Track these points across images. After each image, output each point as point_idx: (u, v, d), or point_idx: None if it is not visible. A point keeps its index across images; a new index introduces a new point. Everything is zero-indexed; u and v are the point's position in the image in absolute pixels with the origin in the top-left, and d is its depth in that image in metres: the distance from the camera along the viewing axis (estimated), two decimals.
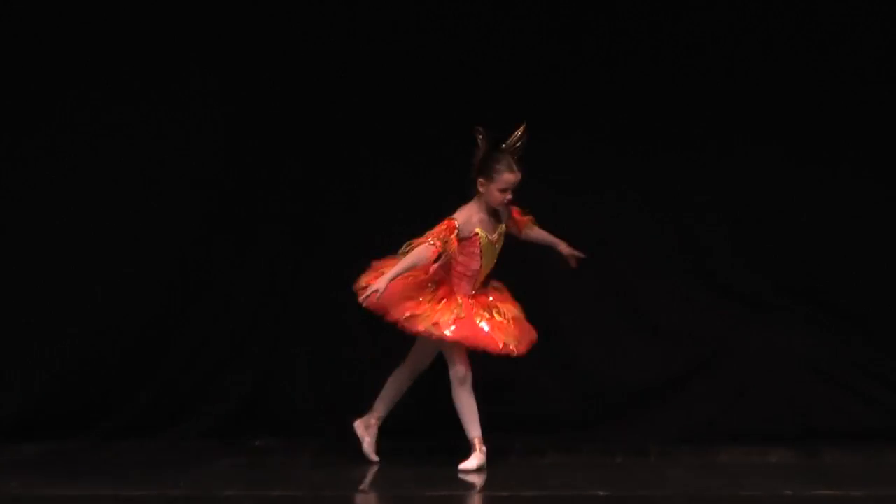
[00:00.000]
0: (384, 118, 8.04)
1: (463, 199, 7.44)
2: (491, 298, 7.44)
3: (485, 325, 7.30)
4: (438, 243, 7.22)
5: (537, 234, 7.63)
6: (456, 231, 7.28)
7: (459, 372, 7.37)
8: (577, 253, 7.54)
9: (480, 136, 7.29)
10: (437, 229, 7.28)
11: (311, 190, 8.13)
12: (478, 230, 7.40)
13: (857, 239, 8.08)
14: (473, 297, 7.42)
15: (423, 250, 7.21)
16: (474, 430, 7.40)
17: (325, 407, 8.21)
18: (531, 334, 7.47)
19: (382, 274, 7.26)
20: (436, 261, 7.32)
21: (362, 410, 7.75)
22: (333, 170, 8.11)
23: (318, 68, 8.05)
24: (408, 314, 7.26)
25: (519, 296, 7.71)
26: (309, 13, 8.02)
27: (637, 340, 8.19)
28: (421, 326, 7.23)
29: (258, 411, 8.23)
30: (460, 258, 7.38)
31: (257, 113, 8.04)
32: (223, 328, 8.20)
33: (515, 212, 7.52)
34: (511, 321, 7.38)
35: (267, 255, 8.15)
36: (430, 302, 7.31)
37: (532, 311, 7.76)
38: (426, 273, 7.41)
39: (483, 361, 7.51)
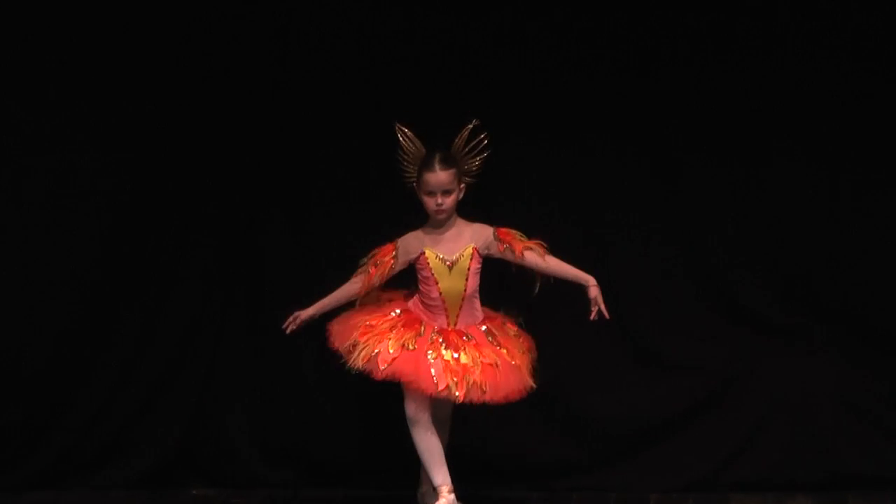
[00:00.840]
0: (331, 135, 7.75)
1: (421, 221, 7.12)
2: (467, 338, 6.89)
3: (434, 363, 6.77)
4: (372, 269, 6.89)
5: (550, 264, 6.99)
6: (393, 252, 6.90)
7: (409, 410, 6.86)
8: (601, 306, 6.99)
9: (402, 135, 6.93)
10: (373, 253, 6.96)
11: (246, 213, 7.85)
12: (425, 250, 6.89)
13: (889, 258, 7.78)
14: (446, 331, 6.91)
15: (350, 284, 6.94)
16: (438, 477, 6.85)
17: (268, 452, 7.86)
18: (513, 385, 6.89)
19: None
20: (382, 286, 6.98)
21: (311, 454, 7.70)
22: (272, 192, 7.83)
23: (254, 81, 7.75)
24: (350, 342, 6.83)
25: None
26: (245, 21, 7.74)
27: (637, 372, 7.79)
28: (361, 359, 6.78)
29: (193, 457, 7.84)
30: (421, 286, 6.98)
31: (177, 133, 7.75)
32: (150, 362, 7.81)
33: (501, 232, 6.99)
34: (480, 365, 6.79)
35: (198, 281, 7.82)
36: (381, 329, 6.86)
37: None
38: (389, 301, 7.04)
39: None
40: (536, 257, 6.93)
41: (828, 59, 7.66)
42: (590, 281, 6.97)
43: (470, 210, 7.19)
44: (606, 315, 6.98)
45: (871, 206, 7.73)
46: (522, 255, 6.92)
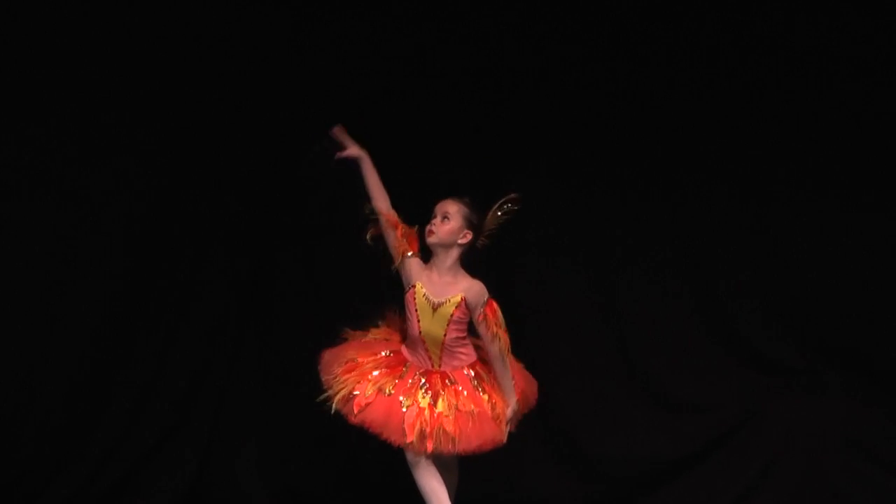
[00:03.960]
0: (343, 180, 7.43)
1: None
2: (450, 382, 6.69)
3: (407, 412, 6.59)
4: (400, 228, 6.75)
5: (495, 365, 6.72)
6: (409, 254, 6.74)
7: (408, 453, 6.66)
8: (513, 420, 6.74)
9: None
10: (407, 231, 6.78)
11: (257, 254, 7.78)
12: (417, 283, 6.72)
13: None
14: (430, 373, 6.72)
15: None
16: None
17: (278, 492, 7.77)
18: (487, 435, 6.64)
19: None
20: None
21: (320, 494, 7.61)
22: (282, 232, 7.77)
23: (271, 107, 7.68)
24: (330, 378, 6.67)
25: None
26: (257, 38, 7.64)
27: (648, 414, 7.81)
28: (339, 400, 6.62)
29: (203, 497, 7.73)
30: (406, 314, 6.78)
31: (189, 174, 7.62)
32: (160, 403, 7.70)
33: (490, 308, 6.72)
34: (455, 413, 6.60)
35: (208, 322, 7.73)
36: (365, 369, 6.68)
37: None
38: (386, 340, 6.85)
39: None
40: (494, 350, 6.68)
41: (841, 100, 7.64)
42: (510, 403, 6.73)
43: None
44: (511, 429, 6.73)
45: (880, 249, 7.69)
46: (488, 339, 6.68)
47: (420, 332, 6.68)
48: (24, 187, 7.41)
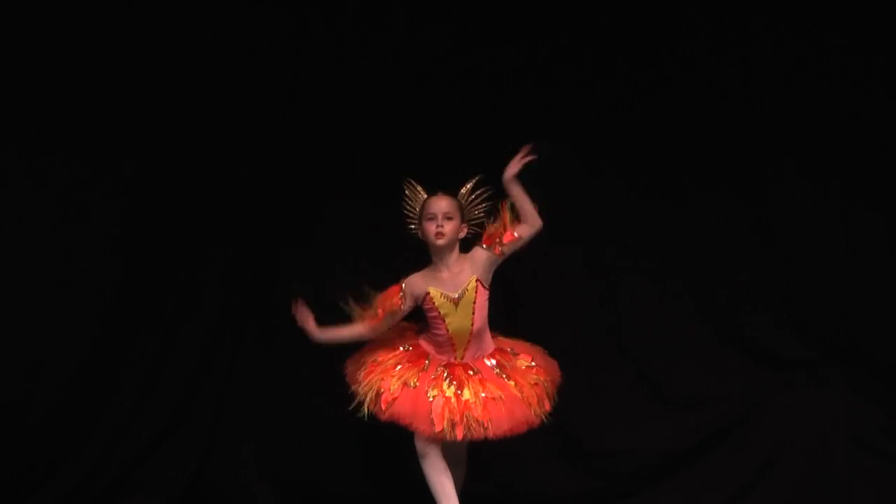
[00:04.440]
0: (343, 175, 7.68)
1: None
2: (473, 372, 6.79)
3: (434, 402, 6.69)
4: (380, 311, 6.81)
5: (524, 212, 6.82)
6: (400, 293, 6.81)
7: (418, 445, 6.76)
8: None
9: (409, 187, 6.91)
10: (381, 295, 6.87)
11: (257, 252, 7.73)
12: (430, 289, 6.81)
13: None
14: (452, 365, 6.82)
15: (356, 325, 6.87)
16: None
17: (279, 488, 7.73)
18: (518, 418, 6.78)
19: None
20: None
21: (322, 489, 7.61)
22: (283, 231, 7.73)
23: (267, 99, 7.65)
24: (357, 386, 6.80)
25: None
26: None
27: (649, 408, 7.76)
28: (368, 402, 6.75)
29: (204, 494, 7.70)
30: (429, 324, 6.89)
31: (187, 170, 7.59)
32: (161, 399, 7.65)
33: (486, 241, 6.86)
34: (482, 401, 6.70)
35: (208, 319, 7.70)
36: (387, 366, 6.80)
37: None
38: (401, 335, 6.97)
39: None
40: (522, 227, 6.79)
41: (842, 94, 7.62)
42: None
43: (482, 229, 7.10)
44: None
45: (881, 243, 7.67)
46: (515, 236, 6.79)
47: (448, 332, 6.79)
48: (24, 186, 7.38)
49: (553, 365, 6.99)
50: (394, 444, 7.16)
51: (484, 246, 6.83)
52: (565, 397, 7.51)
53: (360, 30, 7.63)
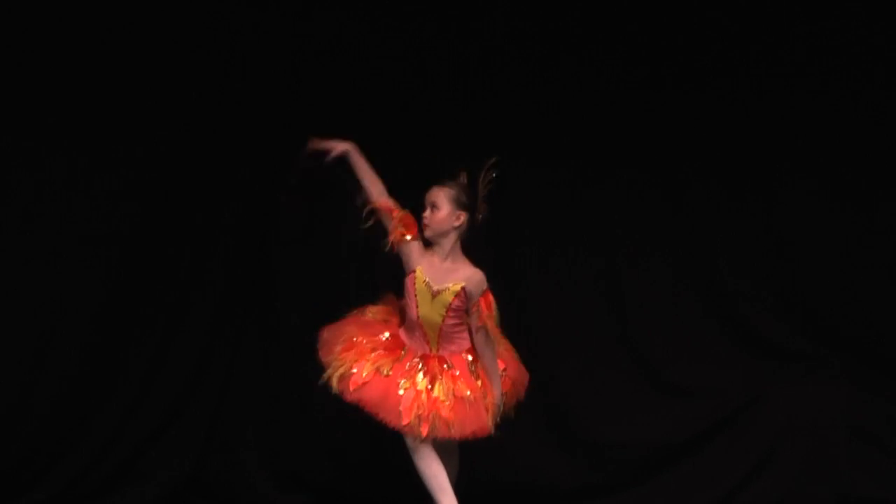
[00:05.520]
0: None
1: None
2: (447, 367, 6.63)
3: (405, 395, 6.55)
4: (395, 213, 6.68)
5: (480, 351, 6.67)
6: (409, 237, 6.65)
7: (408, 439, 6.60)
8: (494, 408, 6.66)
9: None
10: (403, 220, 6.70)
11: (258, 243, 7.72)
12: (417, 268, 6.65)
13: None
14: (428, 357, 6.66)
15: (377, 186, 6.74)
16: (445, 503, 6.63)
17: (280, 478, 7.71)
18: (481, 422, 6.59)
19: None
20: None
21: (322, 479, 7.58)
22: (284, 223, 7.70)
23: (268, 99, 7.62)
24: (330, 357, 6.63)
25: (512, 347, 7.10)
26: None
27: (650, 398, 7.76)
28: (336, 378, 6.57)
29: (204, 484, 7.70)
30: (405, 303, 6.72)
31: (189, 163, 7.55)
32: (162, 389, 7.63)
33: (485, 301, 6.64)
34: (452, 399, 6.55)
35: (210, 310, 7.67)
36: (363, 348, 6.64)
37: (525, 364, 7.12)
38: (385, 322, 6.80)
39: None
40: (479, 341, 6.61)
41: (841, 86, 7.62)
42: (495, 394, 6.66)
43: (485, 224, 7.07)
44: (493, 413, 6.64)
45: (882, 235, 7.67)
46: (475, 328, 6.61)
47: (418, 317, 6.63)
48: (25, 186, 7.36)
49: (524, 377, 6.84)
50: (395, 436, 7.03)
51: (477, 295, 6.59)
52: (567, 388, 7.67)
53: (361, 29, 7.63)
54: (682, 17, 7.64)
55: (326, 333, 6.72)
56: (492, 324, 6.61)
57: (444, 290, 6.61)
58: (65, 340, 7.46)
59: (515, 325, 7.11)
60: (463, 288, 6.59)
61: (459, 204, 6.65)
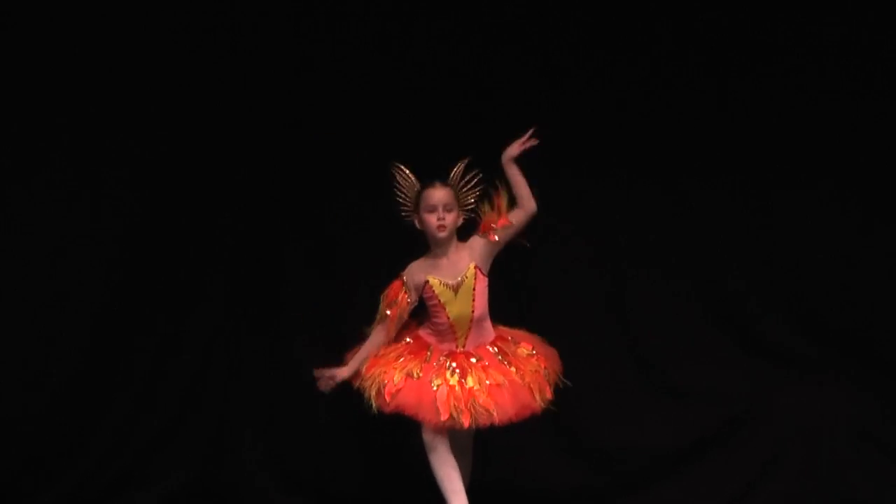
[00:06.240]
0: (346, 163, 7.63)
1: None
2: (475, 360, 6.76)
3: (438, 391, 6.65)
4: (392, 311, 6.77)
5: (516, 191, 6.82)
6: (403, 288, 6.78)
7: (426, 437, 6.70)
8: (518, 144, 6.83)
9: (399, 173, 6.83)
10: (385, 295, 6.81)
11: (261, 245, 7.70)
12: (428, 278, 6.78)
13: None
14: (454, 354, 6.78)
15: (376, 335, 6.82)
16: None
17: (284, 481, 7.70)
18: (522, 403, 6.74)
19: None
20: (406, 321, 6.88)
21: (326, 482, 7.59)
22: (286, 223, 7.70)
23: (269, 98, 7.63)
24: (365, 374, 6.76)
25: None
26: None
27: (655, 403, 7.72)
28: (373, 395, 6.70)
29: (209, 487, 7.69)
30: (430, 313, 6.84)
31: (193, 163, 7.58)
32: (167, 392, 7.65)
33: (483, 228, 6.82)
34: (486, 387, 6.66)
35: (213, 312, 7.70)
36: (388, 358, 6.76)
37: None
38: (405, 328, 6.90)
39: None
40: (516, 212, 6.78)
41: (845, 86, 7.58)
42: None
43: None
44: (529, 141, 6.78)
45: (886, 238, 7.64)
46: (509, 222, 6.78)
47: (449, 319, 6.75)
48: (28, 186, 7.38)
49: (553, 354, 6.94)
50: (398, 437, 7.21)
51: (480, 233, 6.80)
52: (570, 392, 7.48)
53: (361, 28, 7.62)
54: (686, 11, 7.61)
55: (350, 355, 6.82)
56: (501, 218, 6.77)
57: (464, 280, 6.74)
58: (68, 345, 7.48)
59: (517, 327, 7.11)
60: (476, 268, 6.75)
61: (459, 204, 6.81)
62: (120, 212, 7.51)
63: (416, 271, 6.81)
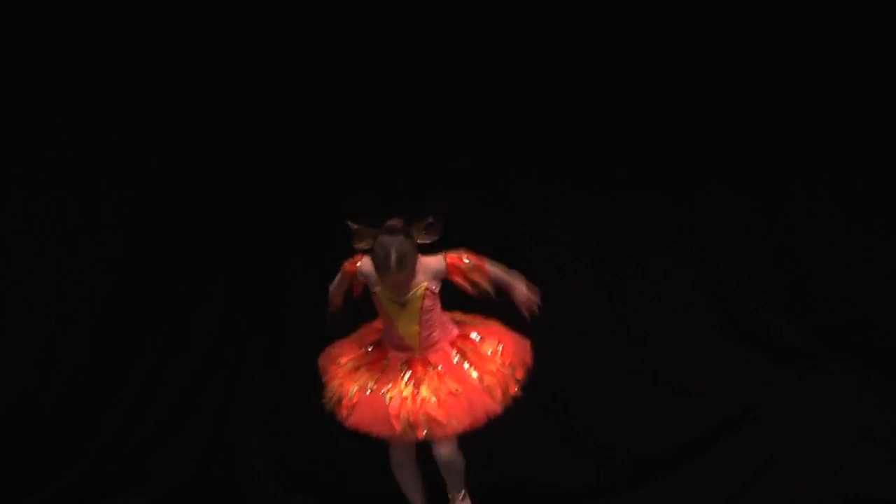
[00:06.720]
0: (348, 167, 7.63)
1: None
2: (431, 367, 6.52)
3: (391, 404, 6.45)
4: (347, 266, 6.59)
5: (494, 274, 6.58)
6: (358, 266, 6.53)
7: (392, 451, 6.66)
8: (533, 299, 6.63)
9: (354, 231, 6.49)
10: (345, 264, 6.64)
11: (266, 245, 7.72)
12: (377, 289, 6.53)
13: None
14: (412, 360, 6.57)
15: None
16: None
17: (285, 479, 7.72)
18: (479, 409, 6.49)
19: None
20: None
21: (328, 480, 7.59)
22: (291, 223, 7.70)
23: (272, 105, 7.63)
24: (326, 386, 6.63)
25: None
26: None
27: (656, 399, 7.68)
28: (333, 405, 6.58)
29: (210, 484, 7.72)
30: (383, 319, 6.65)
31: (198, 165, 7.60)
32: (168, 389, 7.66)
33: (451, 266, 6.53)
34: (440, 397, 6.44)
35: (217, 311, 7.70)
36: (346, 370, 6.62)
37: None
38: (370, 333, 6.73)
39: None
40: (482, 282, 6.53)
41: (849, 85, 7.58)
42: (517, 285, 6.61)
43: (489, 221, 7.12)
44: (536, 302, 6.59)
45: (889, 236, 7.64)
46: (473, 281, 6.52)
47: (397, 331, 6.54)
48: (32, 186, 7.41)
49: (524, 345, 6.67)
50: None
51: (447, 266, 6.51)
52: (572, 390, 7.63)
53: (363, 33, 7.61)
54: (690, 12, 7.60)
55: (321, 361, 6.71)
56: (471, 275, 6.51)
57: (411, 299, 6.48)
58: (70, 341, 7.49)
59: (518, 326, 7.04)
60: (427, 287, 6.49)
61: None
62: (122, 211, 7.53)
63: (371, 273, 6.53)
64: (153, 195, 7.55)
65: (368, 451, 7.50)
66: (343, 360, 6.62)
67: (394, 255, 6.31)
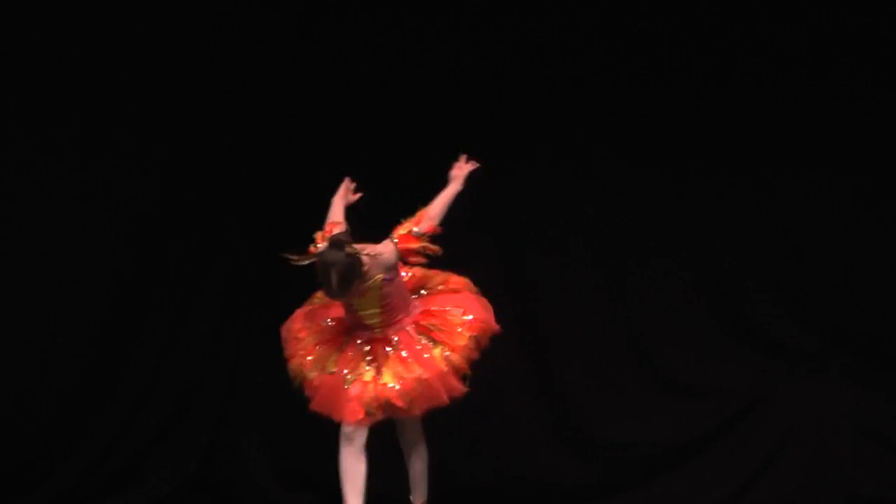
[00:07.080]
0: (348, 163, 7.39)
1: None
2: (392, 349, 6.38)
3: (352, 388, 6.33)
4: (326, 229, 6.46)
5: (435, 210, 6.52)
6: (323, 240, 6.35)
7: (345, 427, 6.40)
8: (466, 167, 6.62)
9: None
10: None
11: (264, 243, 7.68)
12: None
13: None
14: (373, 341, 6.42)
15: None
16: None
17: (285, 477, 7.74)
18: (439, 391, 6.34)
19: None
20: None
21: (327, 478, 7.13)
22: (290, 221, 7.56)
23: (272, 101, 7.66)
24: (288, 354, 6.51)
25: (517, 346, 7.24)
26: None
27: (655, 398, 7.71)
28: (297, 381, 6.44)
29: (210, 483, 7.73)
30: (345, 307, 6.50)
31: (198, 162, 7.60)
32: (168, 388, 7.66)
33: (401, 246, 6.44)
34: (401, 382, 6.30)
35: (215, 309, 7.69)
36: (307, 345, 6.48)
37: (530, 364, 7.49)
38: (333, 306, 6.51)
39: (460, 416, 6.71)
40: (425, 223, 6.46)
41: (846, 83, 7.58)
42: (456, 189, 6.56)
43: (489, 222, 7.15)
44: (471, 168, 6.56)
45: (889, 234, 7.63)
46: (424, 249, 6.45)
47: (357, 312, 6.41)
48: (33, 186, 7.40)
49: (488, 311, 6.53)
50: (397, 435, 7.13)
51: (397, 248, 6.44)
52: (573, 388, 7.63)
53: (363, 31, 7.64)
54: (690, 9, 7.62)
55: (284, 332, 6.58)
56: (429, 226, 6.45)
57: (369, 289, 6.35)
58: (70, 341, 7.48)
59: (518, 324, 7.14)
60: (382, 278, 6.37)
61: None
62: (123, 211, 7.52)
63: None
64: (153, 195, 7.55)
65: (368, 450, 7.57)
66: (302, 334, 6.49)
67: (335, 280, 6.18)
